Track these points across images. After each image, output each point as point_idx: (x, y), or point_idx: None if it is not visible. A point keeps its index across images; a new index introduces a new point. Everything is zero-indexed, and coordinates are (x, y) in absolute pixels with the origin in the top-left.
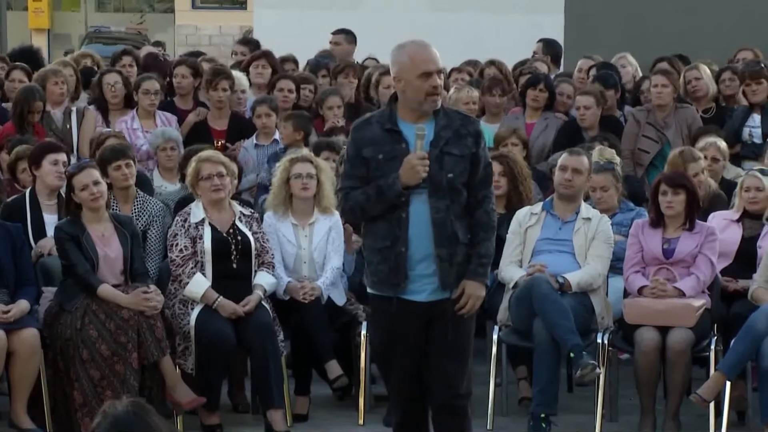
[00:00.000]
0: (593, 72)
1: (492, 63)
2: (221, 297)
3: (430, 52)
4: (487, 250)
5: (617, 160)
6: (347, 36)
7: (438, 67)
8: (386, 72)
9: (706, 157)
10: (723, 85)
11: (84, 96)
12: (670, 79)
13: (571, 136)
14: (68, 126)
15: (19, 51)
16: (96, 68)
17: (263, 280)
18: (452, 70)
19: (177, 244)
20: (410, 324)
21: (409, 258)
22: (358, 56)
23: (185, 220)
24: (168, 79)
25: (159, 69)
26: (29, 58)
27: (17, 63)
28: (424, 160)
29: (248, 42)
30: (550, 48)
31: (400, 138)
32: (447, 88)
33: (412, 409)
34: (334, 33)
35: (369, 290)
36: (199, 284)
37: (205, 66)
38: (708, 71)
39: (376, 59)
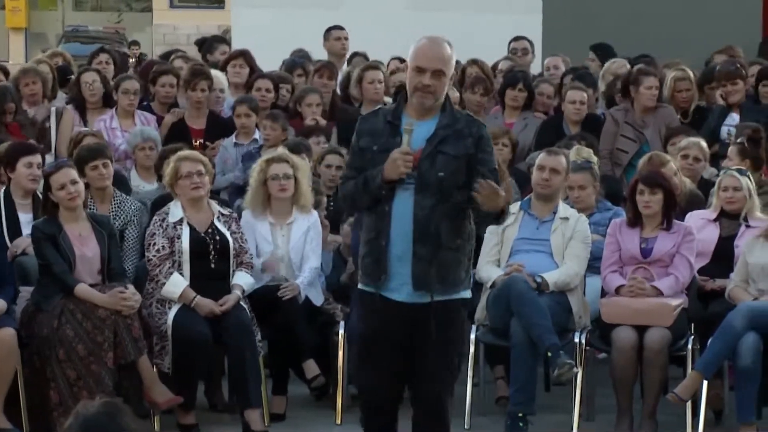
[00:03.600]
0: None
1: (474, 62)
2: (199, 296)
3: (433, 49)
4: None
5: (594, 159)
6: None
7: (432, 66)
8: (370, 67)
9: (687, 156)
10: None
11: (62, 95)
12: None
13: (553, 134)
14: (47, 125)
15: None
16: (69, 67)
17: (241, 280)
18: None
19: (154, 244)
20: (392, 322)
21: (389, 253)
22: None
23: (163, 220)
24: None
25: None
26: None
27: None
28: (408, 155)
29: (202, 43)
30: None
31: (397, 132)
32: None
33: (381, 414)
34: (337, 28)
35: (359, 284)
36: (177, 284)
37: (179, 63)
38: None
39: (365, 56)
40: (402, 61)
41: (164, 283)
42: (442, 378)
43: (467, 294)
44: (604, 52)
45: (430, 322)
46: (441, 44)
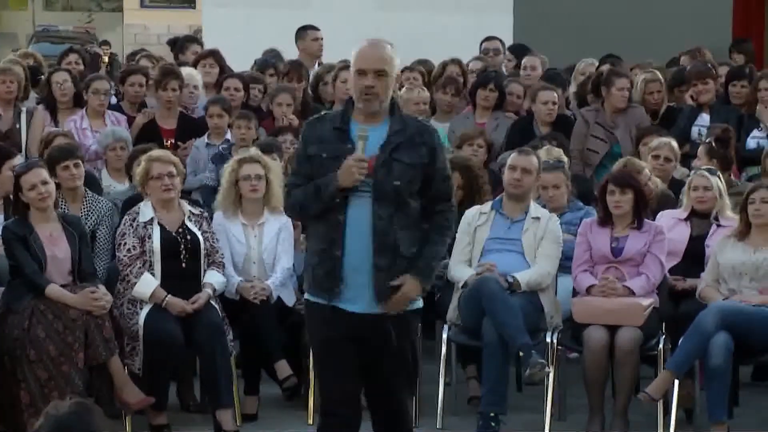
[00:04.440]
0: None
1: (454, 62)
2: (170, 296)
3: (372, 51)
4: (435, 252)
5: (565, 159)
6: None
7: (373, 66)
8: (345, 67)
9: (659, 157)
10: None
11: (32, 95)
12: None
13: (522, 134)
14: (17, 126)
15: None
16: (40, 67)
17: (213, 279)
18: (404, 69)
19: (125, 244)
20: (345, 334)
21: (344, 264)
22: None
23: (134, 220)
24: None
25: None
26: None
27: None
28: (362, 162)
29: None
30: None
31: (347, 138)
32: (400, 86)
33: (342, 422)
34: (311, 29)
35: (305, 295)
36: (147, 284)
37: (144, 62)
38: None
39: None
40: None
41: (135, 283)
42: (400, 385)
43: (420, 304)
44: (521, 53)
45: (387, 331)
46: (381, 45)
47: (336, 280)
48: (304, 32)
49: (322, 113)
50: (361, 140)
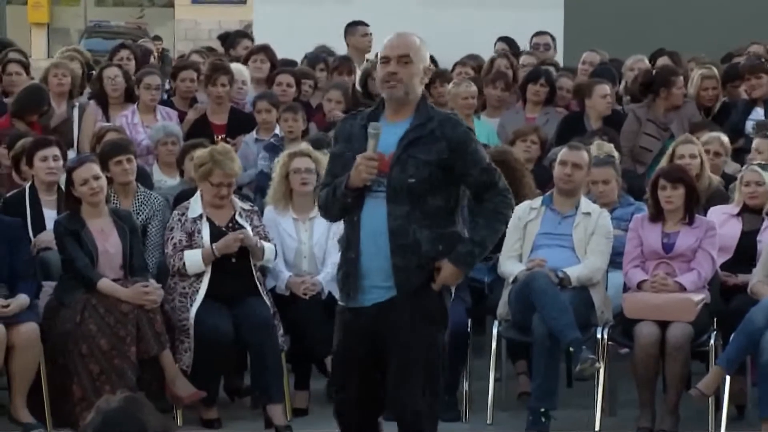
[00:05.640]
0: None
1: (505, 56)
2: (216, 243)
3: (397, 38)
4: (482, 239)
5: (616, 154)
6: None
7: (396, 52)
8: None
9: (708, 151)
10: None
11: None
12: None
13: (573, 129)
14: (70, 120)
15: None
16: (87, 65)
17: (265, 244)
18: (455, 64)
19: (172, 238)
20: (361, 337)
21: (360, 266)
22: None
23: (182, 215)
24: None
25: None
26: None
27: (11, 56)
28: (371, 161)
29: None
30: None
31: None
32: (449, 80)
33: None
34: (361, 24)
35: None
36: (193, 254)
37: (196, 58)
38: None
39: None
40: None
41: (183, 265)
42: (415, 381)
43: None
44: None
45: (400, 322)
46: (407, 34)
47: (352, 283)
48: (353, 28)
49: (359, 110)
50: (372, 138)
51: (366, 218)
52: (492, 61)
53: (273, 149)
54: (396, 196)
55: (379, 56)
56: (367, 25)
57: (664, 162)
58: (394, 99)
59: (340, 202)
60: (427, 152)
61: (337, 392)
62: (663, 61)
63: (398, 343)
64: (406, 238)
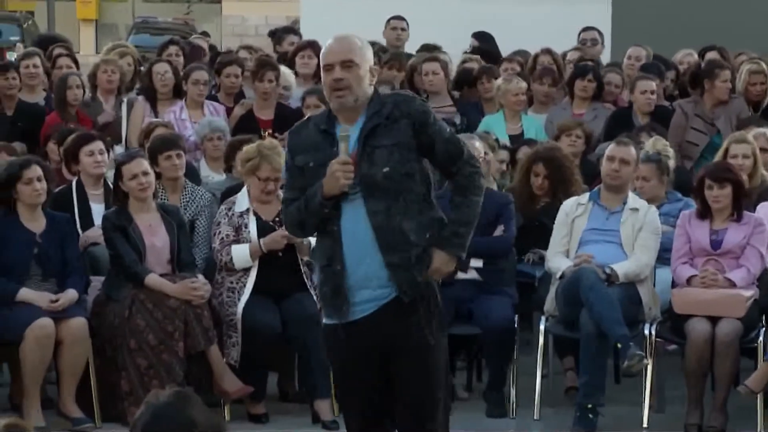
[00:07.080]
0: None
1: (547, 51)
2: (264, 238)
3: (336, 44)
4: (463, 216)
5: (670, 152)
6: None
7: (338, 58)
8: (429, 59)
9: None
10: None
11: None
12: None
13: (621, 125)
14: (118, 115)
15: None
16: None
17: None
18: (503, 59)
19: (219, 233)
20: (362, 352)
21: (348, 277)
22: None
23: (229, 209)
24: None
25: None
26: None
27: (60, 51)
28: (347, 165)
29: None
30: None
31: (333, 141)
32: (496, 76)
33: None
34: (396, 18)
35: (323, 318)
36: (241, 249)
37: (243, 54)
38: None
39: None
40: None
41: (230, 260)
42: (423, 389)
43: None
44: (483, 40)
45: (407, 314)
46: (346, 38)
47: (342, 297)
48: (387, 22)
49: (306, 118)
50: (342, 141)
51: (347, 225)
52: (535, 57)
53: None
54: (372, 193)
55: (322, 63)
56: (401, 18)
57: (718, 158)
58: (345, 108)
59: (317, 214)
60: (390, 136)
61: (345, 412)
62: (712, 55)
63: (406, 348)
64: (392, 232)
